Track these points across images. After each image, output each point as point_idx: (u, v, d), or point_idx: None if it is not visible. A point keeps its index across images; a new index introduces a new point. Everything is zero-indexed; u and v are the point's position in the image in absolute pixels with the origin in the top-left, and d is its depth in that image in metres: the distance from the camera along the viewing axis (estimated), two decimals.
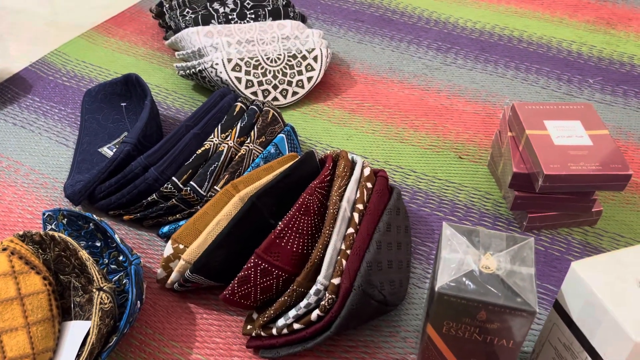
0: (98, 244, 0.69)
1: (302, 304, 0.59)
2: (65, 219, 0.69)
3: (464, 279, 0.48)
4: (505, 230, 0.76)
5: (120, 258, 0.68)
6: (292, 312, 0.60)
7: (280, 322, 0.61)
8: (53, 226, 0.70)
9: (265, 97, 0.94)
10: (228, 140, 0.76)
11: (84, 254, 0.61)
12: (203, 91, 1.01)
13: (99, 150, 0.86)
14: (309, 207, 0.63)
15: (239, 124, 0.78)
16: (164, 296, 0.68)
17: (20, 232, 0.64)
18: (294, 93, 0.96)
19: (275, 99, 0.95)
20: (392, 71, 1.05)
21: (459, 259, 0.49)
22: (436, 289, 0.47)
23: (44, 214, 0.70)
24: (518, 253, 0.50)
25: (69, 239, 0.62)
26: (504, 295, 0.47)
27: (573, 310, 0.50)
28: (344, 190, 0.66)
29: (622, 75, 1.03)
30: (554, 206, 0.72)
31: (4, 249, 0.61)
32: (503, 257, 0.50)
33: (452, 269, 0.49)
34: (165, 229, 0.73)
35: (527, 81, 1.02)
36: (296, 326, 0.60)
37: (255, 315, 0.64)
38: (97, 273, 0.60)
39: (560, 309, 0.52)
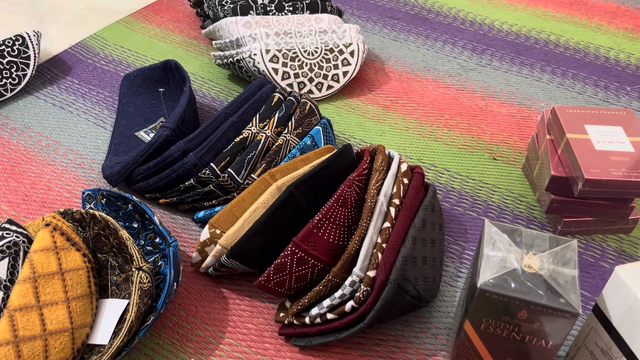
0: (135, 225, 0.70)
1: (337, 294, 0.60)
2: (105, 199, 0.71)
3: (506, 277, 0.48)
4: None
5: (157, 240, 0.69)
6: (327, 302, 0.60)
7: (314, 311, 0.61)
8: (92, 205, 0.72)
9: (300, 89, 0.95)
10: (266, 130, 0.77)
11: (124, 233, 0.62)
12: (238, 81, 1.01)
13: (136, 134, 0.87)
14: (347, 199, 0.64)
15: (276, 114, 0.79)
16: (197, 280, 0.69)
17: (61, 210, 0.66)
18: (329, 87, 0.97)
19: (310, 91, 0.96)
20: (426, 70, 1.05)
21: (502, 257, 0.49)
22: (478, 285, 0.47)
23: (83, 193, 0.72)
24: (561, 254, 0.50)
25: (109, 218, 0.63)
26: (547, 295, 0.47)
27: (614, 315, 0.50)
28: (381, 185, 0.66)
29: None
30: (590, 211, 0.72)
31: (47, 225, 0.62)
32: (546, 257, 0.49)
33: (494, 266, 0.49)
34: (201, 214, 0.74)
35: (563, 86, 1.01)
36: (330, 316, 0.60)
37: (288, 304, 0.65)
38: (137, 253, 0.60)
39: (600, 313, 0.52)
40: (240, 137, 0.75)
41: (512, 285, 0.47)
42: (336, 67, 0.96)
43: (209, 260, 0.66)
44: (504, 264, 0.49)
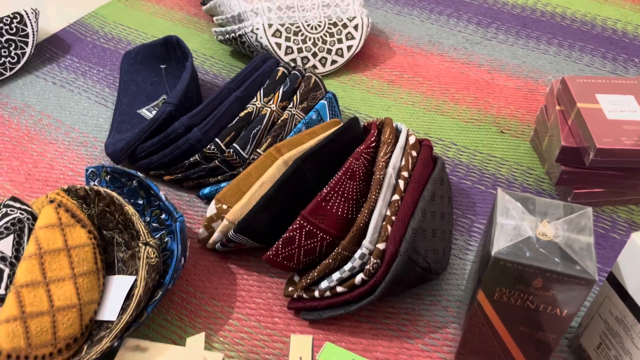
0: (140, 202, 0.69)
1: (347, 267, 0.59)
2: (109, 176, 0.70)
3: (520, 245, 0.47)
4: None
5: (163, 216, 0.68)
6: (336, 275, 0.60)
7: (324, 284, 0.60)
8: (96, 183, 0.71)
9: (304, 64, 0.93)
10: (270, 104, 0.75)
11: (130, 209, 0.61)
12: (241, 57, 1.00)
13: (138, 111, 0.86)
14: (355, 172, 0.63)
15: (281, 89, 0.77)
16: (204, 256, 0.69)
17: (65, 187, 0.65)
18: (333, 62, 0.95)
19: (314, 66, 0.94)
20: (431, 44, 1.03)
21: (515, 225, 0.49)
22: (492, 253, 0.47)
23: (87, 170, 0.71)
24: (576, 222, 0.49)
25: (114, 194, 0.63)
26: (562, 262, 0.46)
27: (629, 283, 0.49)
28: (390, 157, 0.65)
29: None
30: (601, 182, 0.71)
31: (51, 201, 0.61)
32: (560, 225, 0.49)
33: (508, 235, 0.48)
34: (206, 190, 0.73)
35: (570, 58, 1.00)
36: (339, 289, 0.60)
37: (296, 278, 0.64)
38: (143, 228, 0.60)
39: (614, 281, 0.51)
40: (245, 111, 0.74)
41: (527, 253, 0.47)
42: (340, 41, 0.95)
43: (216, 235, 0.65)
44: (518, 232, 0.48)
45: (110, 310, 0.59)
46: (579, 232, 0.48)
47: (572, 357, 0.59)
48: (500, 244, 0.47)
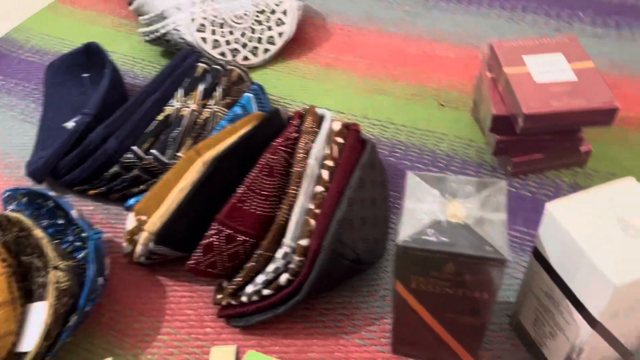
0: (61, 222, 0.66)
1: (270, 268, 0.56)
2: (25, 198, 0.66)
3: (428, 230, 0.44)
4: (489, 177, 0.71)
5: (84, 235, 0.65)
6: (261, 278, 0.57)
7: (249, 288, 0.58)
8: (14, 206, 0.67)
9: (234, 56, 0.90)
10: (190, 104, 0.72)
11: (37, 232, 0.58)
12: (171, 57, 0.96)
13: (63, 125, 0.82)
14: (273, 168, 0.60)
15: (201, 86, 0.74)
16: (132, 271, 0.66)
17: None
18: (266, 50, 0.91)
19: (245, 58, 0.90)
20: (369, 21, 0.99)
21: (425, 209, 0.46)
22: (397, 242, 0.44)
23: (3, 194, 0.67)
24: (488, 199, 0.46)
25: (22, 218, 0.60)
26: (472, 244, 0.43)
27: (551, 256, 0.46)
28: (311, 147, 0.62)
29: (614, 7, 0.96)
30: (538, 148, 0.68)
31: None
32: (472, 204, 0.46)
33: (416, 220, 0.45)
34: (132, 201, 0.70)
35: (512, 20, 0.96)
36: (265, 292, 0.57)
37: (225, 284, 0.62)
38: (51, 251, 0.57)
39: (539, 255, 0.48)
40: (163, 114, 0.70)
41: (435, 238, 0.44)
42: (270, 28, 0.91)
43: (138, 249, 0.62)
44: (427, 216, 0.45)
45: (29, 340, 0.56)
46: (492, 209, 0.45)
47: (513, 334, 0.56)
48: (407, 231, 0.44)
